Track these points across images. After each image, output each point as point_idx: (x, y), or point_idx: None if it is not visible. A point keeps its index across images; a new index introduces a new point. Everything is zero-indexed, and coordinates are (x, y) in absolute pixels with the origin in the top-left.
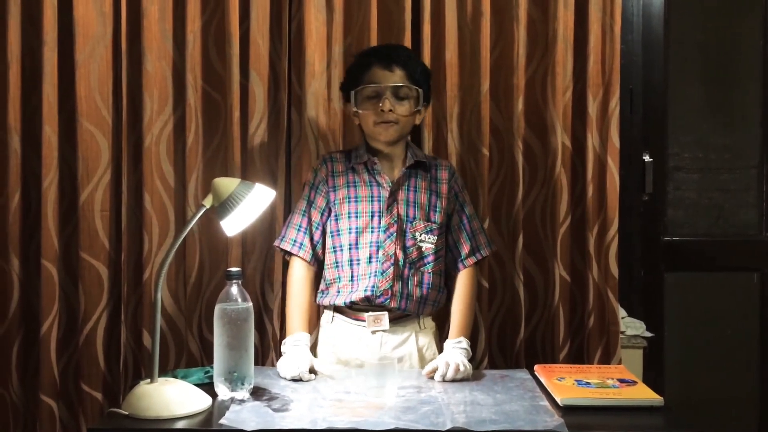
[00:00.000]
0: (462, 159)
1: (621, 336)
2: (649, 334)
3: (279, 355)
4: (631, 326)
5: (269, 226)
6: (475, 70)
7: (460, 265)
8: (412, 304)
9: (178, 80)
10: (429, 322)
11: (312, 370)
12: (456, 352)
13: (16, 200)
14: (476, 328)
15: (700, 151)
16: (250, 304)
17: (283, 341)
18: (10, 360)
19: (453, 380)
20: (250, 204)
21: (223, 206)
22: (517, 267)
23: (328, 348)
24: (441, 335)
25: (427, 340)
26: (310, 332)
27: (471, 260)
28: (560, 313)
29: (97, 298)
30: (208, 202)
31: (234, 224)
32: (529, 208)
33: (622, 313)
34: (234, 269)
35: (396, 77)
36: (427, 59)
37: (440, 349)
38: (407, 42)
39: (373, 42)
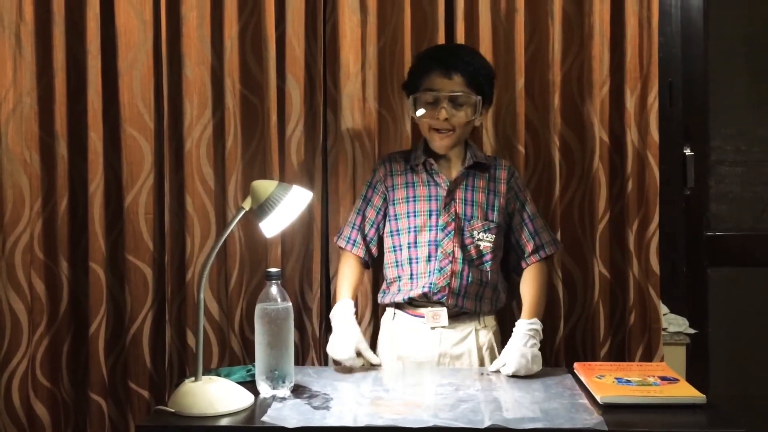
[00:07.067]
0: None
1: (663, 333)
2: (692, 331)
3: (319, 353)
4: (674, 323)
5: (307, 226)
6: (509, 67)
7: (523, 263)
8: (469, 302)
9: (216, 85)
10: (490, 321)
11: (358, 353)
12: (525, 340)
13: (64, 205)
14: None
15: (744, 143)
16: (290, 303)
17: (331, 313)
18: (61, 359)
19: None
20: (288, 206)
21: (262, 208)
22: (555, 264)
23: (387, 345)
24: (503, 336)
25: (487, 339)
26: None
27: (534, 258)
28: (600, 310)
29: (143, 299)
30: (247, 204)
31: (273, 226)
32: (566, 205)
33: (664, 309)
34: (273, 269)
35: (454, 84)
36: None
37: (501, 350)
38: (440, 41)
39: (407, 42)
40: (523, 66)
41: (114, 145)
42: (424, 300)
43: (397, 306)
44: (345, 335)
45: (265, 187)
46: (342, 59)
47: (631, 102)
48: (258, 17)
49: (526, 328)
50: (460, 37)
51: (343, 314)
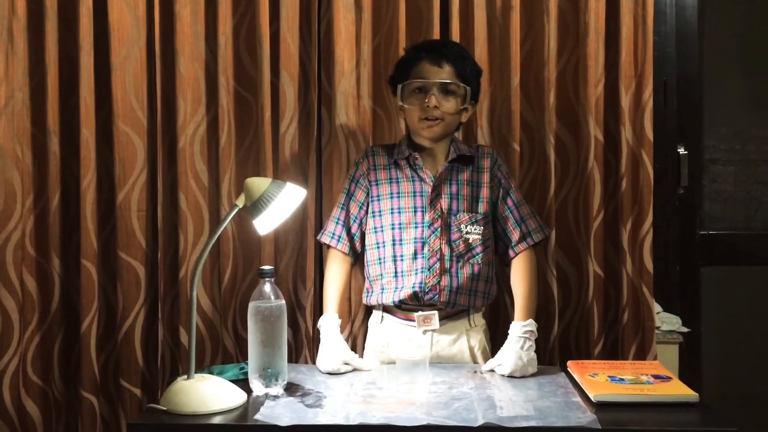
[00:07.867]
0: None
1: (656, 331)
2: (685, 330)
3: (312, 352)
4: (667, 321)
5: (301, 224)
6: (505, 65)
7: (511, 252)
8: (461, 297)
9: (210, 81)
10: (479, 320)
11: (346, 362)
12: (521, 342)
13: (56, 201)
14: (509, 325)
15: (738, 143)
16: (283, 301)
17: (318, 323)
18: (52, 357)
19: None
20: (282, 203)
21: (256, 206)
22: (549, 263)
23: (377, 349)
24: (492, 333)
25: (478, 340)
26: (343, 325)
27: (522, 246)
28: (594, 308)
29: (135, 296)
30: (240, 201)
31: (266, 223)
32: (561, 203)
33: (657, 308)
34: (267, 267)
35: (444, 73)
36: None
37: (491, 349)
38: (436, 38)
39: (402, 40)
40: (518, 64)
41: (106, 141)
42: (414, 301)
43: (385, 309)
44: (331, 349)
45: (258, 184)
46: (336, 57)
47: (625, 100)
48: (252, 14)
49: (521, 331)
50: (455, 35)
51: (328, 329)
